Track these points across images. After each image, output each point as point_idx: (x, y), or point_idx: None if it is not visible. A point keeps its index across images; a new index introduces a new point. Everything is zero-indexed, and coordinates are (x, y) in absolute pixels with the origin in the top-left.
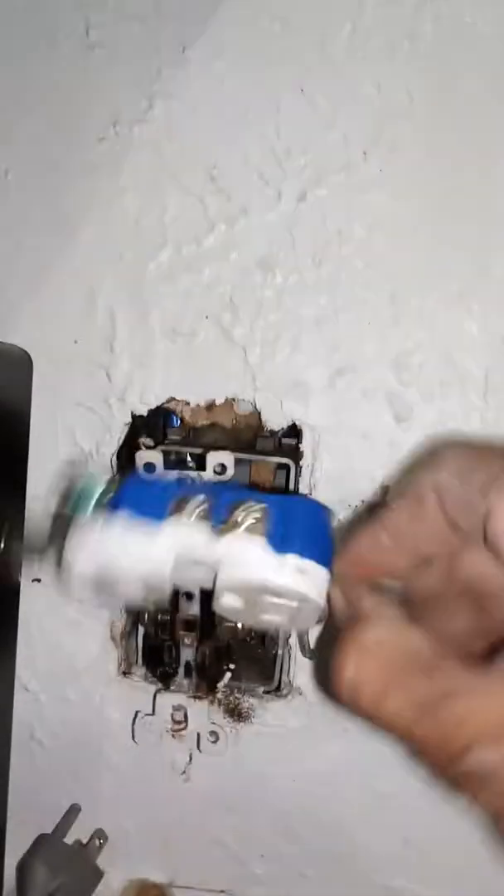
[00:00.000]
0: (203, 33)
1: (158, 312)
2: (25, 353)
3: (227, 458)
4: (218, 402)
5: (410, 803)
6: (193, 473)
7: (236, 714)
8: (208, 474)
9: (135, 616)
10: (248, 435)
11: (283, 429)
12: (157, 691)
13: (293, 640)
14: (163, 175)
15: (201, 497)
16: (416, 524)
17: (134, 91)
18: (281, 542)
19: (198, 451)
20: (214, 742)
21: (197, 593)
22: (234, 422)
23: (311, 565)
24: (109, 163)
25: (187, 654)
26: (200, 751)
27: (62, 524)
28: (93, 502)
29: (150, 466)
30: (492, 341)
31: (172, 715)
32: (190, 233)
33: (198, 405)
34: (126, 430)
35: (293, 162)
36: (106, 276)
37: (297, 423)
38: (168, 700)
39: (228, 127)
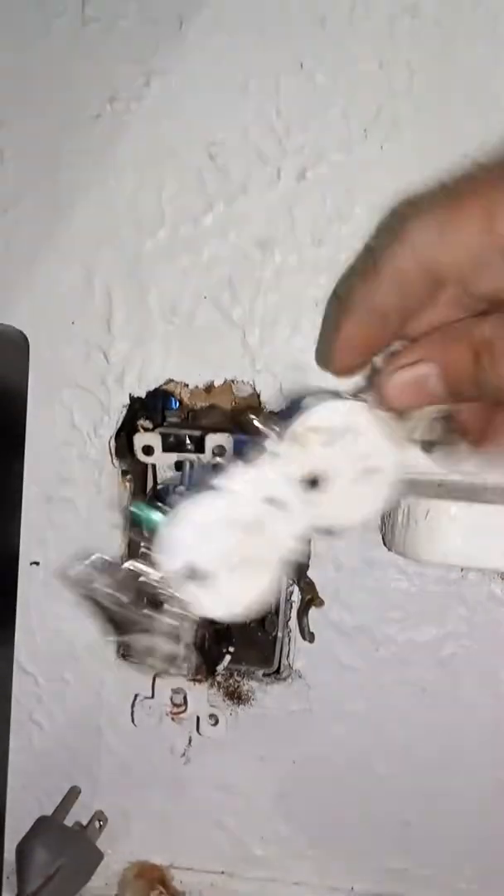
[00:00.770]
0: (201, 8)
1: (156, 293)
2: (22, 334)
3: (225, 440)
4: (217, 383)
5: (410, 786)
6: (192, 456)
7: (236, 697)
8: (207, 456)
9: None
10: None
11: (283, 410)
12: (156, 674)
13: (293, 623)
14: (160, 153)
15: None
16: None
17: (130, 67)
18: None
19: (196, 433)
20: (214, 725)
21: None
22: (234, 404)
23: None
24: (106, 140)
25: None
26: (200, 733)
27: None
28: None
29: (148, 448)
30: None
31: (172, 698)
32: (188, 211)
33: (196, 387)
34: (124, 411)
35: (293, 140)
36: (103, 256)
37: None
38: (167, 683)
39: (227, 104)
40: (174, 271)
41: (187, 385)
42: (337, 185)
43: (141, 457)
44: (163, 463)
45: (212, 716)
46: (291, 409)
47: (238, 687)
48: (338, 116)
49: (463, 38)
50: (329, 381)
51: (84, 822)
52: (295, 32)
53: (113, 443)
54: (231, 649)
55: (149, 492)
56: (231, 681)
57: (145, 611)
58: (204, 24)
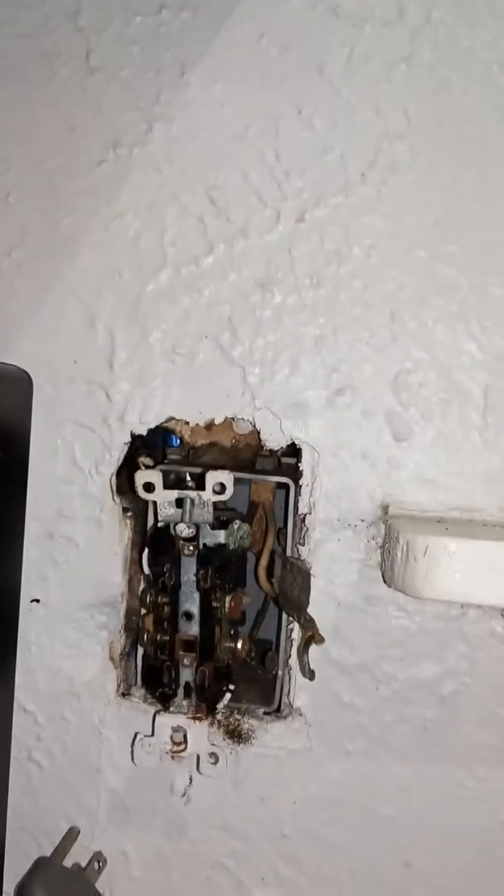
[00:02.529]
0: (202, 57)
1: (158, 332)
2: (25, 372)
3: (226, 477)
4: (217, 421)
5: (411, 826)
6: (193, 493)
7: (236, 735)
8: (207, 493)
9: (134, 636)
10: (247, 454)
11: (282, 448)
12: (157, 712)
13: (293, 661)
14: (162, 196)
15: None
16: None
17: (133, 114)
18: None
19: (197, 470)
20: (214, 764)
21: (197, 614)
22: (234, 441)
23: None
24: (109, 185)
25: (187, 675)
26: (200, 772)
27: None
28: None
29: (149, 486)
30: (490, 360)
31: (172, 736)
32: (189, 253)
33: (197, 425)
34: (125, 449)
35: (292, 183)
36: (106, 297)
37: (296, 442)
38: (167, 721)
39: (227, 149)
40: (175, 311)
41: (188, 423)
42: (335, 227)
43: (142, 494)
44: (163, 500)
45: (212, 754)
46: None
47: (238, 725)
48: (336, 161)
49: (457, 85)
50: None
51: (83, 864)
52: (294, 79)
53: (114, 480)
54: (231, 687)
55: (149, 529)
56: (231, 719)
57: None
58: (205, 72)
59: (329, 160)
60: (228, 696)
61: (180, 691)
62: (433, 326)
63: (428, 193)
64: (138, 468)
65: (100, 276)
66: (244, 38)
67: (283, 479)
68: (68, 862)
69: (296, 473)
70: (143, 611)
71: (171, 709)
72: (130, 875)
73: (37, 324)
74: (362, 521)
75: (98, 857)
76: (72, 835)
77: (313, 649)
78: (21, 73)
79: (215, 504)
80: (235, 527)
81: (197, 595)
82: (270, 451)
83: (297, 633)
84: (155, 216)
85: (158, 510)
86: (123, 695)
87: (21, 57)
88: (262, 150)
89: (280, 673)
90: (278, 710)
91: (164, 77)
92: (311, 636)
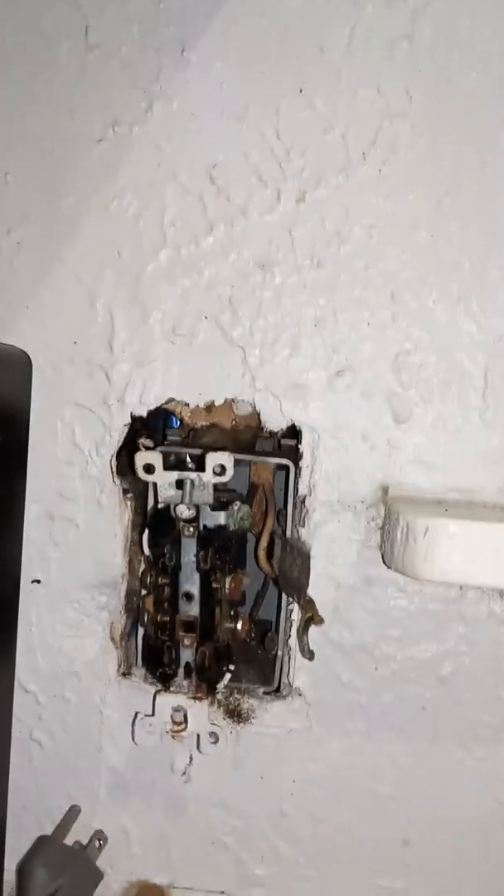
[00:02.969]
0: (202, 35)
1: (158, 313)
2: (25, 353)
3: (226, 458)
4: (217, 402)
5: (410, 805)
6: (193, 474)
7: (236, 715)
8: (208, 475)
9: (134, 617)
10: (247, 436)
11: (282, 430)
12: (157, 692)
13: (293, 641)
14: (162, 176)
15: None
16: None
17: (133, 92)
18: None
19: (197, 451)
20: (214, 743)
21: (197, 594)
22: (234, 423)
23: None
24: (108, 164)
25: (187, 655)
26: (200, 752)
27: None
28: None
29: (149, 467)
30: (490, 341)
31: (172, 716)
32: (189, 233)
33: (197, 406)
34: (125, 430)
35: (292, 163)
36: (105, 277)
37: (296, 423)
38: (168, 701)
39: (228, 128)
40: (175, 292)
41: (188, 404)
42: (336, 208)
43: (142, 475)
44: (163, 481)
45: (212, 734)
46: None
47: (238, 705)
48: (337, 140)
49: (458, 64)
50: None
51: (84, 842)
52: (295, 58)
53: (114, 461)
54: (231, 667)
55: (150, 511)
56: (231, 699)
57: None
58: (205, 51)
59: (330, 139)
60: (228, 676)
61: (180, 671)
62: (433, 307)
63: (429, 173)
64: (138, 449)
65: (99, 255)
66: (245, 16)
67: (283, 461)
68: (69, 840)
69: (296, 455)
70: (144, 591)
71: (172, 688)
72: (131, 853)
73: (36, 304)
74: (362, 502)
75: (99, 836)
76: (73, 813)
77: (313, 630)
78: (20, 51)
79: (215, 485)
80: (235, 508)
81: (197, 576)
82: (270, 432)
83: (296, 614)
84: (155, 195)
85: (158, 491)
86: (124, 675)
87: (20, 35)
88: (262, 129)
89: (280, 653)
90: (278, 689)
91: (163, 55)
92: (311, 617)
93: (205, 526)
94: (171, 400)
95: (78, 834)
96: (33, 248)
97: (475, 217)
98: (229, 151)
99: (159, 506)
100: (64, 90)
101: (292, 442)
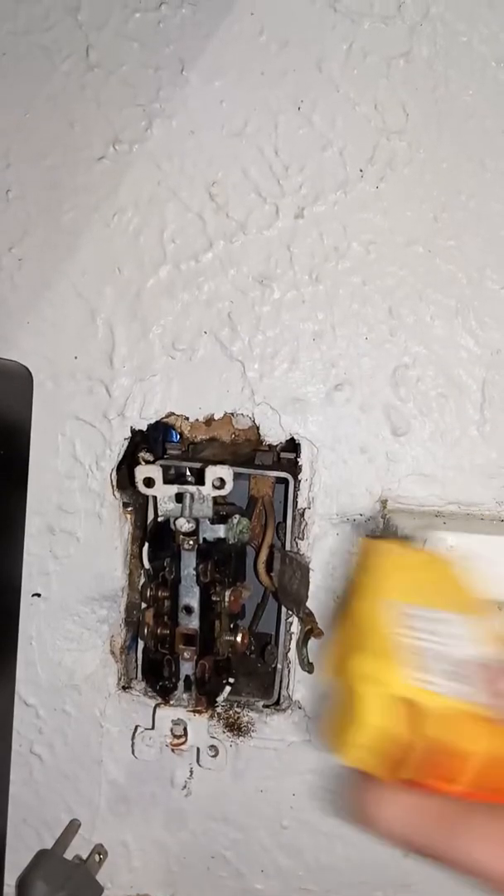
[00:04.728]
0: (201, 53)
1: (158, 328)
2: (25, 368)
3: (225, 472)
4: (217, 416)
5: None
6: (192, 488)
7: (236, 728)
8: (207, 488)
9: (134, 630)
10: (246, 449)
11: (281, 443)
12: (157, 705)
13: (292, 654)
14: (162, 193)
15: None
16: None
17: (133, 110)
18: None
19: (197, 465)
20: (214, 756)
21: (197, 608)
22: (233, 436)
23: None
24: (109, 181)
25: (187, 669)
26: (200, 765)
27: None
28: None
29: (149, 481)
30: (488, 355)
31: (172, 729)
32: (189, 249)
33: (197, 420)
34: (125, 444)
35: (291, 179)
36: (106, 293)
37: (295, 437)
38: (168, 714)
39: (227, 145)
40: (175, 307)
41: (188, 418)
42: (334, 223)
43: (142, 489)
44: (163, 495)
45: (212, 747)
46: None
47: (238, 718)
48: (335, 156)
49: (455, 80)
50: None
51: (84, 856)
52: (293, 75)
53: (114, 475)
54: (231, 680)
55: (150, 524)
56: (231, 712)
57: None
58: (204, 68)
59: (328, 156)
60: (228, 689)
61: (180, 684)
62: (431, 321)
63: (425, 189)
64: (138, 463)
65: (100, 271)
66: (243, 34)
67: (283, 474)
68: (69, 854)
69: (295, 468)
70: (144, 605)
71: (172, 702)
72: (131, 866)
73: (37, 319)
74: (361, 515)
75: (99, 850)
76: (73, 827)
77: (312, 642)
78: (21, 68)
79: (215, 499)
80: (235, 521)
81: (197, 589)
82: (270, 446)
83: (296, 627)
84: (155, 212)
85: (158, 505)
86: (124, 688)
87: (21, 52)
88: (261, 145)
89: (279, 666)
90: (277, 702)
91: (163, 73)
92: (311, 629)
93: (204, 539)
94: (170, 414)
95: (78, 848)
96: (34, 264)
97: (472, 232)
98: (228, 168)
99: (159, 519)
100: (65, 108)
101: (291, 455)
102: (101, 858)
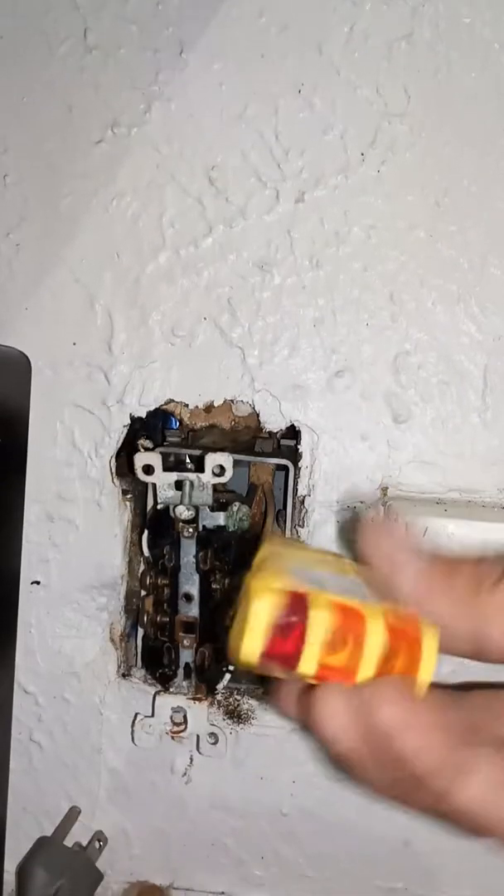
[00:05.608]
0: (201, 35)
1: (157, 314)
2: (24, 355)
3: (225, 459)
4: (216, 403)
5: None
6: (192, 475)
7: (236, 716)
8: (207, 476)
9: (134, 618)
10: (246, 436)
11: (281, 430)
12: (157, 693)
13: None
14: (161, 177)
15: None
16: None
17: (132, 93)
18: None
19: (196, 452)
20: (214, 744)
21: (197, 595)
22: (233, 423)
23: None
24: (107, 165)
25: (186, 656)
26: (200, 753)
27: None
28: None
29: (148, 468)
30: (490, 341)
31: (172, 717)
32: (188, 234)
33: (196, 407)
34: (125, 431)
35: (291, 163)
36: (104, 278)
37: (295, 424)
38: (167, 702)
39: (226, 128)
40: (174, 293)
41: (187, 405)
42: (335, 208)
43: (141, 476)
44: (163, 482)
45: (212, 734)
46: None
47: (238, 706)
48: (335, 140)
49: (457, 63)
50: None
51: (84, 843)
52: (293, 58)
53: (113, 462)
54: (231, 668)
55: (149, 512)
56: (231, 699)
57: None
58: (204, 52)
59: (329, 140)
60: (228, 676)
61: (180, 672)
62: (433, 307)
63: (427, 173)
64: (137, 451)
65: (99, 257)
66: (243, 16)
67: (283, 462)
68: (69, 841)
69: (295, 455)
70: (143, 592)
71: (171, 689)
72: (131, 854)
73: (35, 306)
74: (362, 502)
75: (99, 837)
76: (73, 814)
77: None
78: (18, 51)
79: (215, 486)
80: (235, 509)
81: (197, 577)
82: (270, 433)
83: None
84: (154, 197)
85: (158, 492)
86: (124, 676)
87: (18, 35)
88: (261, 129)
89: None
90: None
91: (162, 56)
92: None
93: (204, 527)
94: (170, 401)
95: (78, 835)
96: (32, 250)
97: (474, 217)
98: (228, 152)
99: (158, 507)
100: (63, 91)
101: (291, 442)
102: (101, 845)
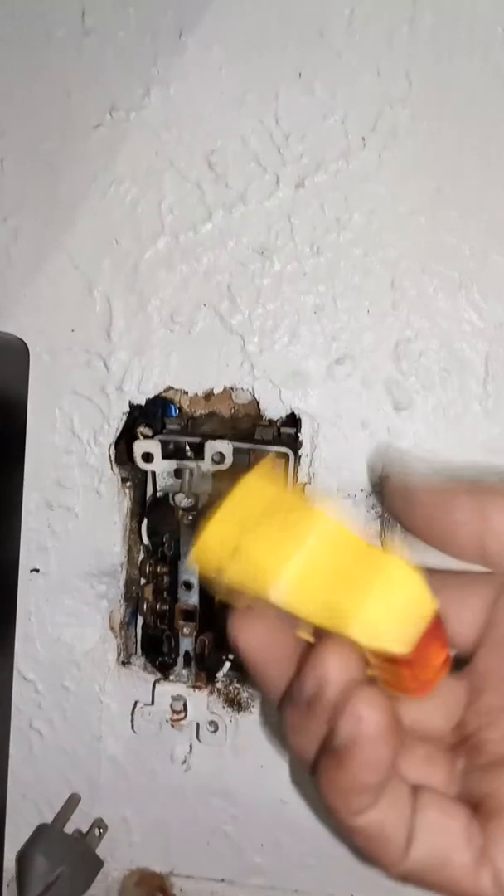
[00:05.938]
0: (200, 19)
1: (156, 301)
2: (21, 341)
3: (225, 447)
4: (216, 391)
5: None
6: (192, 463)
7: (236, 704)
8: (206, 464)
9: (133, 606)
10: (246, 424)
11: (281, 418)
12: (157, 681)
13: None
14: (160, 162)
15: None
16: None
17: (130, 77)
18: None
19: (196, 440)
20: (214, 732)
21: (196, 584)
22: (233, 411)
23: None
24: (106, 150)
25: (186, 644)
26: (200, 741)
27: None
28: None
29: (147, 456)
30: (492, 328)
31: (172, 705)
32: (188, 220)
33: (196, 394)
34: (124, 419)
35: (291, 148)
36: (103, 264)
37: (295, 412)
38: (167, 690)
39: (226, 113)
40: (174, 279)
41: (187, 392)
42: (335, 194)
43: (140, 464)
44: (162, 470)
45: (212, 723)
46: None
47: (238, 693)
48: (336, 125)
49: (460, 48)
50: None
51: (84, 830)
52: (294, 42)
53: (112, 450)
54: (231, 656)
55: (148, 499)
56: (231, 687)
57: None
58: (203, 35)
59: (329, 125)
60: (228, 664)
61: (180, 660)
62: (434, 294)
63: (429, 159)
64: (137, 438)
65: (97, 243)
66: (243, 0)
67: (283, 450)
68: (69, 828)
69: (295, 443)
70: (143, 580)
71: (171, 677)
72: (131, 841)
73: (33, 292)
74: (362, 490)
75: (99, 824)
76: (73, 802)
77: None
78: (14, 34)
79: (214, 474)
80: None
81: (196, 565)
82: (270, 420)
83: None
84: (152, 182)
85: (157, 480)
86: (123, 663)
87: (14, 17)
88: (261, 114)
89: None
90: None
91: (160, 39)
92: None
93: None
94: (169, 388)
95: (78, 822)
96: (30, 236)
97: (476, 203)
98: (228, 137)
99: (158, 495)
100: (60, 75)
101: (292, 430)
102: (101, 833)
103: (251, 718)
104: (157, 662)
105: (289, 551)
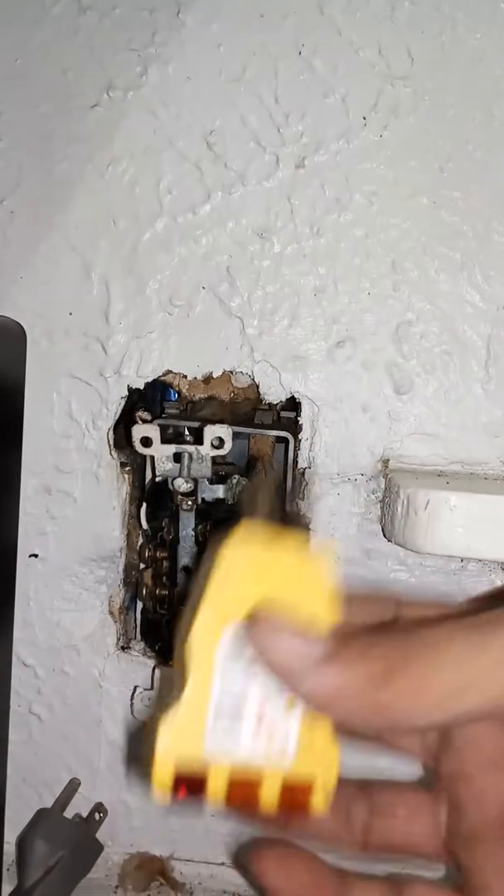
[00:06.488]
0: None
1: (154, 283)
2: (19, 325)
3: (224, 431)
4: (215, 374)
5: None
6: (191, 447)
7: None
8: (206, 448)
9: (133, 590)
10: (246, 408)
11: (281, 402)
12: (156, 666)
13: None
14: (158, 142)
15: None
16: None
17: (128, 55)
18: None
19: (195, 424)
20: None
21: (196, 568)
22: (232, 395)
23: None
24: (103, 130)
25: None
26: None
27: None
28: None
29: (146, 440)
30: (494, 310)
31: None
32: (186, 201)
33: (195, 378)
34: (122, 403)
35: (291, 128)
36: (101, 246)
37: (295, 395)
38: (167, 675)
39: (225, 92)
40: (172, 261)
41: (186, 376)
42: (336, 174)
43: (139, 448)
44: (161, 454)
45: None
46: None
47: None
48: (337, 104)
49: (462, 23)
50: None
51: (84, 814)
52: (293, 19)
53: (111, 434)
54: None
55: (147, 484)
56: None
57: None
58: (202, 12)
59: (330, 103)
60: None
61: None
62: (436, 276)
63: (431, 138)
64: (135, 422)
65: (95, 224)
66: None
67: (283, 434)
68: (69, 813)
69: (295, 427)
70: (142, 565)
71: (171, 662)
72: (131, 825)
73: (30, 275)
74: (362, 475)
75: (99, 808)
76: (73, 786)
77: None
78: (10, 11)
79: (214, 458)
80: (234, 481)
81: (196, 550)
82: (269, 404)
83: None
84: (150, 162)
85: (156, 465)
86: (123, 648)
87: None
88: (260, 92)
89: None
90: None
91: (158, 16)
92: None
93: (203, 499)
94: (168, 372)
95: (78, 807)
96: (27, 218)
97: (478, 184)
98: (227, 116)
99: (157, 479)
100: (57, 53)
101: (291, 414)
102: (101, 817)
103: None
104: (157, 647)
105: None
